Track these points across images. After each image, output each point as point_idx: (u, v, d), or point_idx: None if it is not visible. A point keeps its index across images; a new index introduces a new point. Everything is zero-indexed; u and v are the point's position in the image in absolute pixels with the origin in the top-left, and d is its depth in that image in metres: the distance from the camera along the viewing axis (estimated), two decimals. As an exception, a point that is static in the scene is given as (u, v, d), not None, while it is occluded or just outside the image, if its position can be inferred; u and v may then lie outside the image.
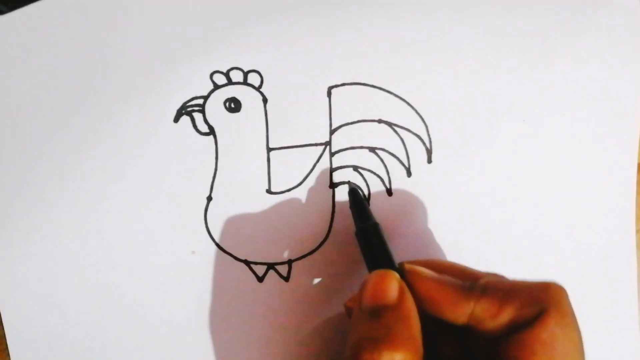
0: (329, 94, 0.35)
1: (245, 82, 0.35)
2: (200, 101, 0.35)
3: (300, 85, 0.35)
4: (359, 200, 0.32)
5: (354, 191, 0.33)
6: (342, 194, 0.35)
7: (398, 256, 0.28)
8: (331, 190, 0.35)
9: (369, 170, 0.35)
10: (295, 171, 0.35)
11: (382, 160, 0.35)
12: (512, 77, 0.34)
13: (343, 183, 0.35)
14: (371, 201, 0.35)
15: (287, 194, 0.35)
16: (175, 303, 0.35)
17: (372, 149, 0.35)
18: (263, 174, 0.35)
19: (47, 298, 0.36)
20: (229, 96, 0.35)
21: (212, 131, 0.35)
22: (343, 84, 0.35)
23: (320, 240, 0.35)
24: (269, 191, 0.35)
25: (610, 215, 0.35)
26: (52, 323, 0.36)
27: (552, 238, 0.35)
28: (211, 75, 0.35)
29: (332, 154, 0.35)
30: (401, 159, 0.35)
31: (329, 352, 0.35)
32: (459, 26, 0.34)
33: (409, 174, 0.35)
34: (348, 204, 0.35)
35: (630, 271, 0.35)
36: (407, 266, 0.26)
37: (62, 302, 0.36)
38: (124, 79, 0.35)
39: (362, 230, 0.30)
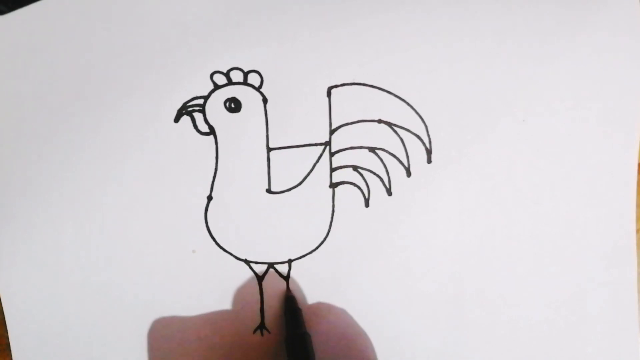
0: (329, 94, 0.35)
1: (245, 82, 0.35)
2: (201, 101, 0.35)
3: (300, 85, 0.35)
4: (294, 307, 0.34)
5: (291, 298, 0.35)
6: (342, 194, 0.35)
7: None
8: (331, 190, 0.35)
9: (368, 170, 0.35)
10: (295, 171, 0.35)
11: (382, 160, 0.35)
12: (512, 77, 0.34)
13: (343, 183, 0.35)
14: (371, 201, 0.35)
15: (287, 194, 0.35)
16: (175, 302, 0.36)
17: (372, 149, 0.35)
18: (263, 174, 0.35)
19: (48, 296, 0.36)
20: (229, 96, 0.35)
21: (212, 131, 0.35)
22: (343, 84, 0.35)
23: (320, 240, 0.35)
24: (269, 191, 0.35)
25: (610, 215, 0.35)
26: (53, 322, 0.36)
27: (552, 238, 0.35)
28: (211, 75, 0.35)
29: (332, 154, 0.35)
30: (401, 159, 0.35)
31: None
32: (459, 26, 0.34)
33: (408, 174, 0.35)
34: (348, 205, 0.35)
35: (631, 271, 0.35)
36: None
37: (64, 300, 0.36)
38: (124, 79, 0.35)
39: (292, 338, 0.33)
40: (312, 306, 0.36)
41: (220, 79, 0.35)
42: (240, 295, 0.36)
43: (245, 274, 0.36)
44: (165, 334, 0.36)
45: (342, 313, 0.35)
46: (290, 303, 0.35)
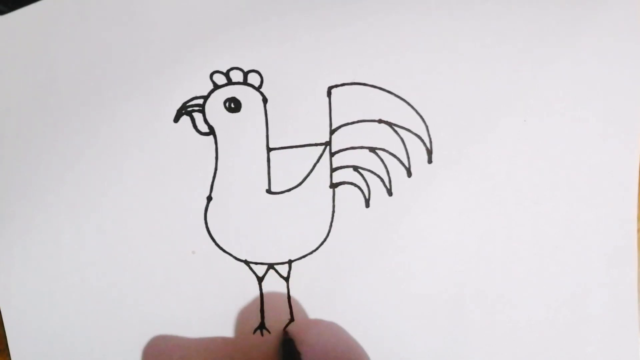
0: (329, 93, 0.35)
1: (245, 82, 0.35)
2: (200, 101, 0.35)
3: (300, 85, 0.34)
4: (292, 351, 0.34)
5: (288, 341, 0.35)
6: (342, 194, 0.35)
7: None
8: (331, 190, 0.35)
9: (369, 171, 0.35)
10: (295, 171, 0.35)
11: (382, 161, 0.35)
12: (513, 77, 0.34)
13: (344, 183, 0.35)
14: (371, 201, 0.35)
15: (287, 194, 0.35)
16: (175, 303, 0.36)
17: (372, 149, 0.35)
18: (263, 174, 0.35)
19: (47, 298, 0.36)
20: (229, 96, 0.35)
21: (212, 131, 0.35)
22: (343, 84, 0.35)
23: (320, 240, 0.35)
24: (269, 191, 0.35)
25: (611, 215, 0.35)
26: (52, 323, 0.36)
27: (552, 238, 0.35)
28: (211, 75, 0.35)
29: (332, 154, 0.35)
30: (401, 159, 0.35)
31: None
32: (460, 26, 0.34)
33: (409, 174, 0.35)
34: (348, 206, 0.35)
35: (631, 271, 0.35)
36: None
37: (62, 302, 0.36)
38: (124, 79, 0.35)
39: None
40: (303, 322, 0.36)
41: (220, 79, 0.35)
42: (240, 296, 0.36)
43: (245, 274, 0.36)
44: (165, 335, 0.36)
45: (334, 327, 0.35)
46: (288, 346, 0.35)
